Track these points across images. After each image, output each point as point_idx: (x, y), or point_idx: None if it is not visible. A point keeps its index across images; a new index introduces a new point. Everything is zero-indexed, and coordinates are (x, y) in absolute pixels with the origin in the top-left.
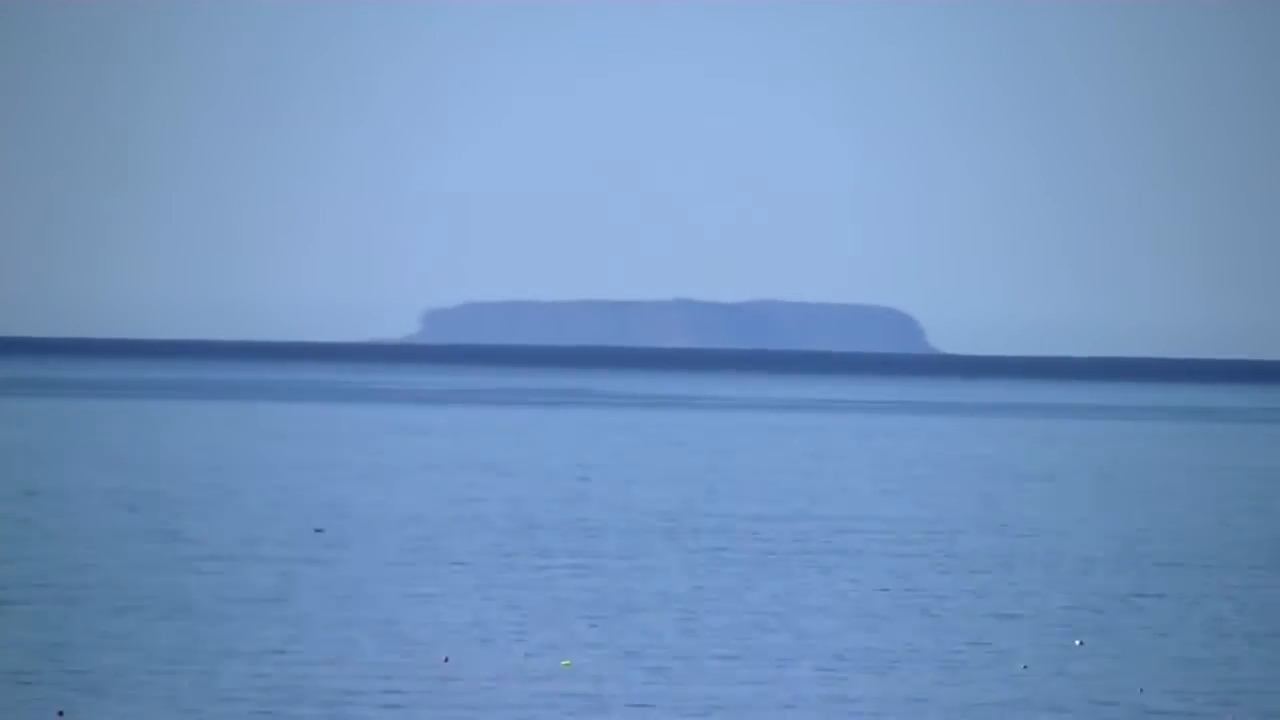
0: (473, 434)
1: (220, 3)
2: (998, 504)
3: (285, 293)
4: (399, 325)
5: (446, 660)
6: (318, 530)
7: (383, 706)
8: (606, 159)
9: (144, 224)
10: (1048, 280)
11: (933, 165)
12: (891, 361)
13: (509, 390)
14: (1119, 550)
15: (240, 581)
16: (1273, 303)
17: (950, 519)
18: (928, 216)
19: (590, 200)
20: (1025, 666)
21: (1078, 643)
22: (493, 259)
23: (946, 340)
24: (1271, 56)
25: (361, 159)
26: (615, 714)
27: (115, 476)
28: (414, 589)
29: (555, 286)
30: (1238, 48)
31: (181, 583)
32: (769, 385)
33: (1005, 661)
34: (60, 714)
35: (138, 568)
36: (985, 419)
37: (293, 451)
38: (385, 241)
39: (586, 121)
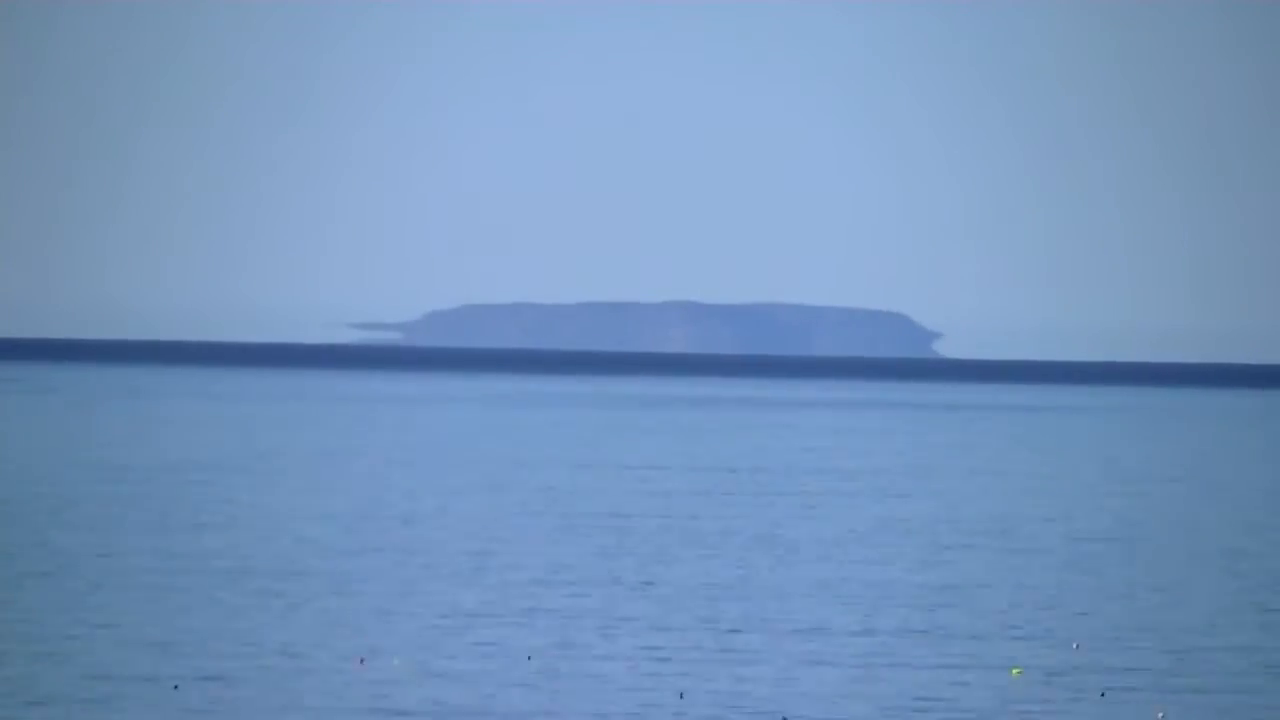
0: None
1: (224, 6)
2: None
3: (283, 294)
4: (397, 327)
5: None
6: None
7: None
8: (607, 161)
9: (144, 226)
10: (1053, 284)
11: (937, 168)
12: (895, 366)
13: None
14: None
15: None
16: None
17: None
18: (932, 220)
19: (590, 202)
20: (1076, 645)
21: (1074, 646)
22: (492, 261)
23: (949, 345)
24: (1263, 62)
25: (360, 161)
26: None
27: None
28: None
29: (554, 288)
30: (1231, 55)
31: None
32: (770, 388)
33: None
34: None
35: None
36: (977, 422)
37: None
38: (383, 243)
39: (588, 122)
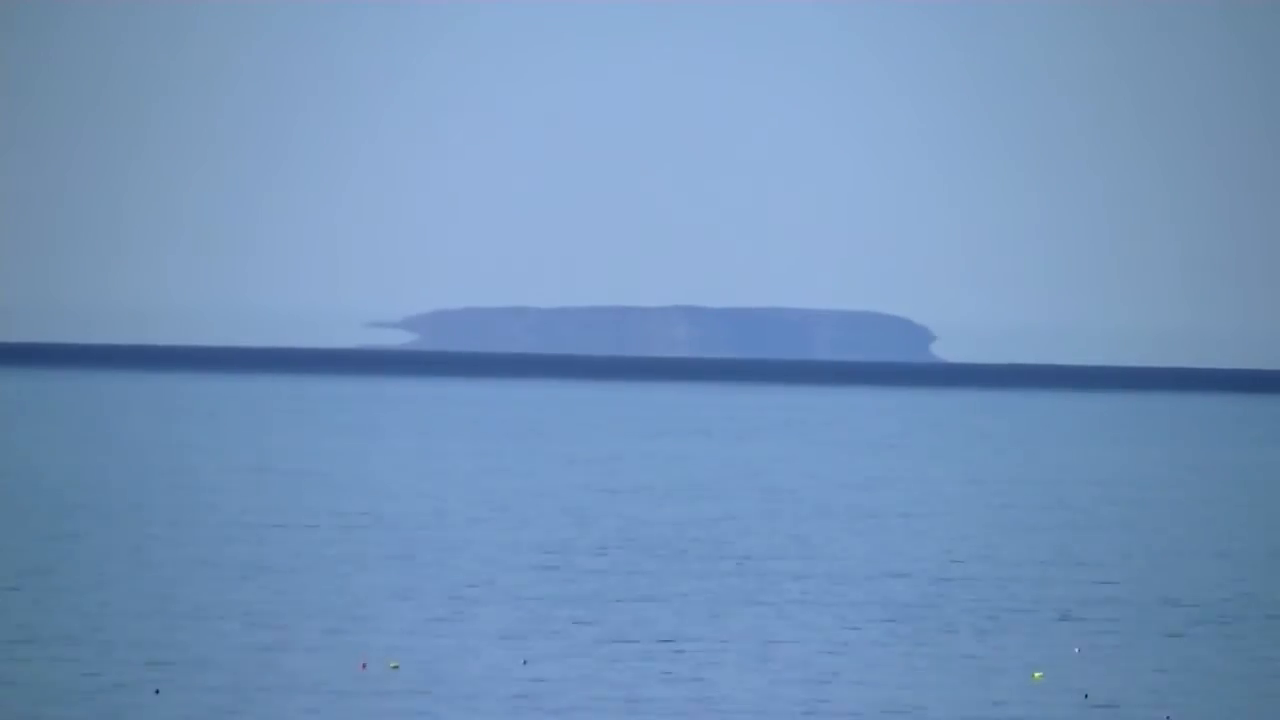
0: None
1: (230, 6)
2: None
3: (281, 298)
4: (398, 331)
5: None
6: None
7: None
8: (607, 163)
9: (144, 229)
10: (1054, 287)
11: (937, 170)
12: (896, 370)
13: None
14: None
15: None
16: None
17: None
18: (933, 223)
19: (591, 205)
20: (1078, 650)
21: (1075, 650)
22: (492, 264)
23: (951, 349)
24: (1259, 64)
25: (361, 165)
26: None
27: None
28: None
29: (555, 292)
30: (1229, 57)
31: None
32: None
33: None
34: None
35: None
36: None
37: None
38: (384, 247)
39: (588, 126)
